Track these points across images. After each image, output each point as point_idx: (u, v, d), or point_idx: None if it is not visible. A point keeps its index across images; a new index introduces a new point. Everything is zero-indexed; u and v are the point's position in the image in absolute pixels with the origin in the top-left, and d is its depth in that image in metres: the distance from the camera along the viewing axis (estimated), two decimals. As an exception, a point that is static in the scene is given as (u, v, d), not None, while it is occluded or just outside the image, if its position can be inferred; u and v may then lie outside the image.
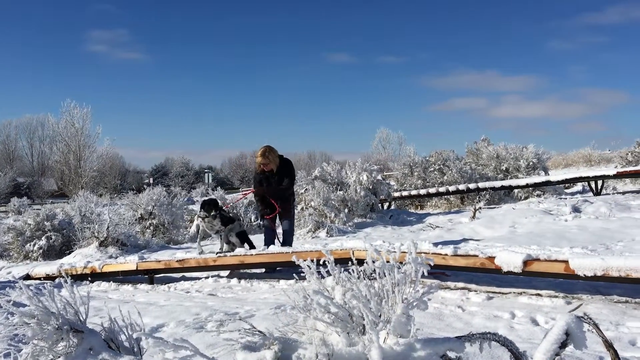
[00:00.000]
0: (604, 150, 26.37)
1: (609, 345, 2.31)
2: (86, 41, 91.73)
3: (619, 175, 11.17)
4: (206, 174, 45.46)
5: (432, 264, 2.53)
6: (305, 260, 2.52)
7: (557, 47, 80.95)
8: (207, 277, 6.77)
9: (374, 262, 2.37)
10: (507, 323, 4.08)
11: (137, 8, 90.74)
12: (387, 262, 2.34)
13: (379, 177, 12.45)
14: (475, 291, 5.14)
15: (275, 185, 7.27)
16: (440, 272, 5.72)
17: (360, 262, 2.48)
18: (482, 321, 4.18)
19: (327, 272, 2.38)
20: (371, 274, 2.40)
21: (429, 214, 12.15)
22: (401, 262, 2.38)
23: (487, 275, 5.42)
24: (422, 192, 13.61)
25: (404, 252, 2.57)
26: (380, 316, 2.21)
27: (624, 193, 11.31)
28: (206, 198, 8.20)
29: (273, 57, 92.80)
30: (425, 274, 2.48)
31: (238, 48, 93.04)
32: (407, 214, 12.36)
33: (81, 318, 2.58)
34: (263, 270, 6.79)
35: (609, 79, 78.02)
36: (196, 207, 15.09)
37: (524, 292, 4.96)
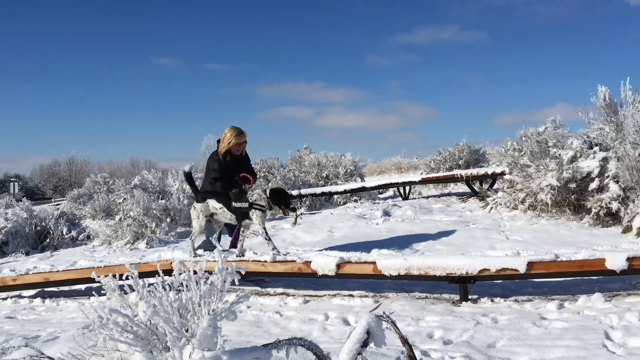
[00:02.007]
0: (412, 159, 28.94)
1: (404, 341, 2.49)
2: None
3: (423, 181, 12.25)
4: (12, 183, 40.88)
5: (243, 272, 2.52)
6: (107, 276, 2.36)
7: (376, 62, 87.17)
8: (5, 299, 6.07)
9: (181, 274, 2.29)
10: (321, 325, 4.23)
11: None
12: (195, 272, 2.28)
13: (203, 185, 12.25)
14: (293, 296, 5.26)
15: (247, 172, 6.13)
16: (260, 279, 5.77)
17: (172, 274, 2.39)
18: (298, 325, 4.28)
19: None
20: (179, 286, 2.31)
21: (253, 221, 12.20)
22: (211, 272, 2.34)
23: (305, 279, 5.60)
24: (247, 199, 13.64)
25: (214, 261, 2.53)
26: (187, 330, 2.14)
27: (427, 197, 12.44)
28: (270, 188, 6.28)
29: (92, 58, 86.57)
30: (236, 282, 2.46)
31: (52, 46, 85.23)
32: (232, 222, 12.29)
33: None
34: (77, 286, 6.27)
35: (420, 94, 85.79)
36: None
37: (338, 294, 5.19)
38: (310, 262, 5.10)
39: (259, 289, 5.63)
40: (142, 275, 4.00)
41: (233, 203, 5.86)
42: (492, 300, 4.61)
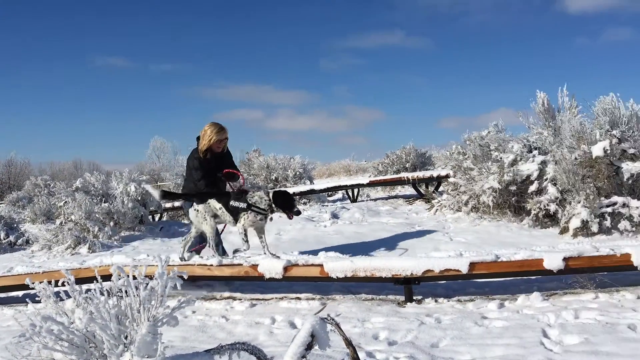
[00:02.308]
0: (361, 162, 29.22)
1: (348, 343, 2.50)
2: None
3: (371, 184, 12.42)
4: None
5: (185, 277, 2.48)
6: (42, 282, 2.28)
7: (326, 66, 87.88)
8: None
9: (120, 279, 2.23)
10: (268, 328, 4.21)
11: None
12: (134, 278, 2.22)
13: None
14: (240, 299, 5.22)
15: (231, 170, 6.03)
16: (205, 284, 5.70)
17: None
18: (245, 329, 4.25)
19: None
20: (118, 292, 2.26)
21: (201, 224, 12.05)
22: (152, 277, 2.29)
23: (252, 282, 5.56)
24: (194, 202, 13.46)
25: (154, 266, 2.48)
26: (126, 337, 2.08)
27: (375, 200, 12.60)
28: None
29: (33, 56, 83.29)
30: (179, 287, 2.42)
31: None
32: (179, 225, 12.10)
33: None
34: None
35: (368, 98, 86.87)
36: None
37: (285, 297, 5.18)
38: (257, 265, 5.07)
39: (205, 293, 5.54)
40: (83, 281, 3.89)
41: (231, 202, 5.60)
42: (436, 301, 4.71)
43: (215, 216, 5.73)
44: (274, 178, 15.29)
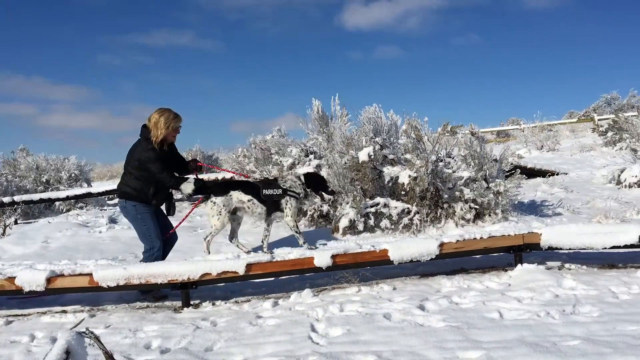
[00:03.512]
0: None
1: (108, 357, 2.37)
2: None
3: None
4: None
5: None
6: None
7: (108, 61, 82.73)
8: None
9: None
10: (25, 347, 3.79)
11: None
12: None
13: None
14: (-7, 318, 4.62)
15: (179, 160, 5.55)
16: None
17: None
18: (-4, 351, 3.77)
19: None
20: None
21: (-50, 234, 10.43)
22: None
23: (11, 297, 4.97)
24: (-59, 208, 11.62)
25: None
26: None
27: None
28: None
29: None
30: None
31: None
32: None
33: None
34: None
35: (156, 97, 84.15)
36: None
37: (48, 311, 4.72)
38: (14, 277, 4.54)
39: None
40: None
41: (263, 191, 5.33)
42: (213, 304, 4.71)
43: (233, 212, 5.50)
44: (44, 180, 13.93)
